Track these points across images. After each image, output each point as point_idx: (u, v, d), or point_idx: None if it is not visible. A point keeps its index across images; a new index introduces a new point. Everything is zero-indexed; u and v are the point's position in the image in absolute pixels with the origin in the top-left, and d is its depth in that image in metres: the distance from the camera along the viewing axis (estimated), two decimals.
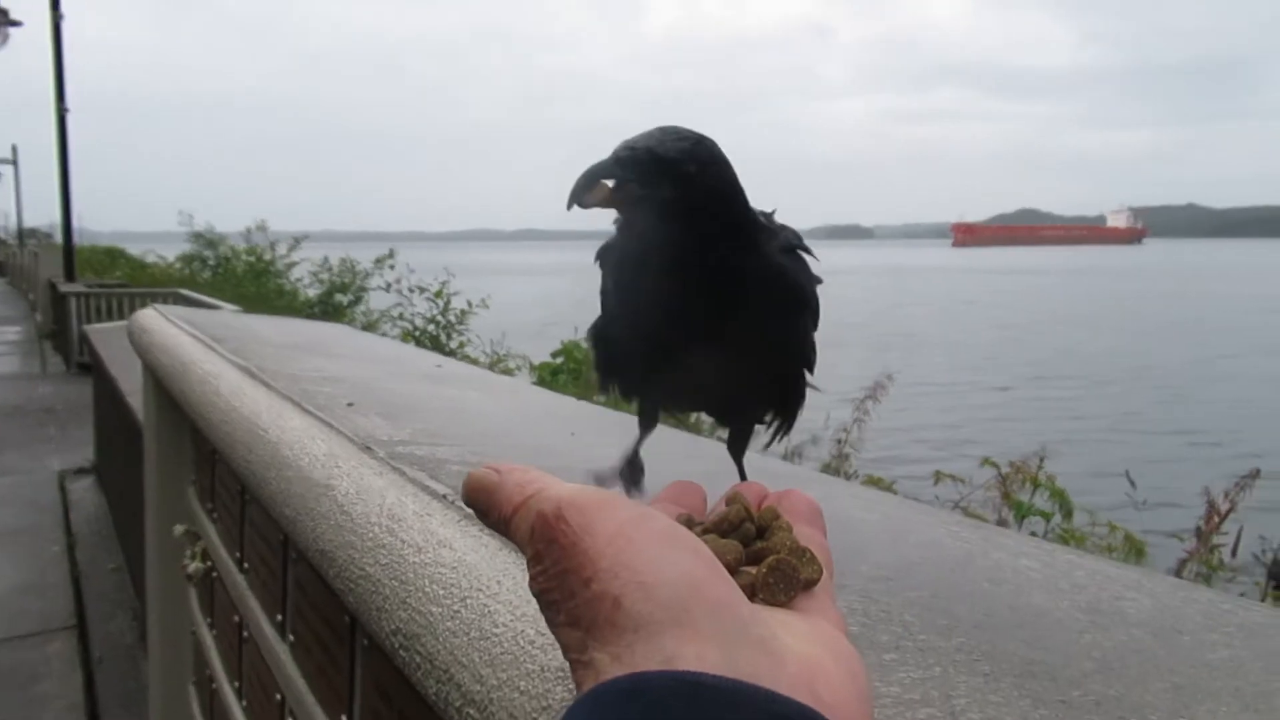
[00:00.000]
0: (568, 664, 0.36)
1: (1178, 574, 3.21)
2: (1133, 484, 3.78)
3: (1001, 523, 3.48)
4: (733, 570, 0.40)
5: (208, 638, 1.73)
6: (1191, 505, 4.00)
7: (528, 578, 0.38)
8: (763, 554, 0.43)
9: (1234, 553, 3.41)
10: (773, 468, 1.26)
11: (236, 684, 1.48)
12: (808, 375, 0.82)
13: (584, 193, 0.68)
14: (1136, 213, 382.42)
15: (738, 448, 0.85)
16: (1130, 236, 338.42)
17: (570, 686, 0.46)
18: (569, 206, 0.69)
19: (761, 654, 0.33)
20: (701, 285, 0.71)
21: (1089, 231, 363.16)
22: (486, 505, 0.42)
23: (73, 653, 3.92)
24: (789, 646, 0.35)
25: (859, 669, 0.36)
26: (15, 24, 14.61)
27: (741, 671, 0.31)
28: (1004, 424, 12.22)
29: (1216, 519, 3.48)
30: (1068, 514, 3.43)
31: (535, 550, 0.38)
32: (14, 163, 46.75)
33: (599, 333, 0.81)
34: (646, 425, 0.85)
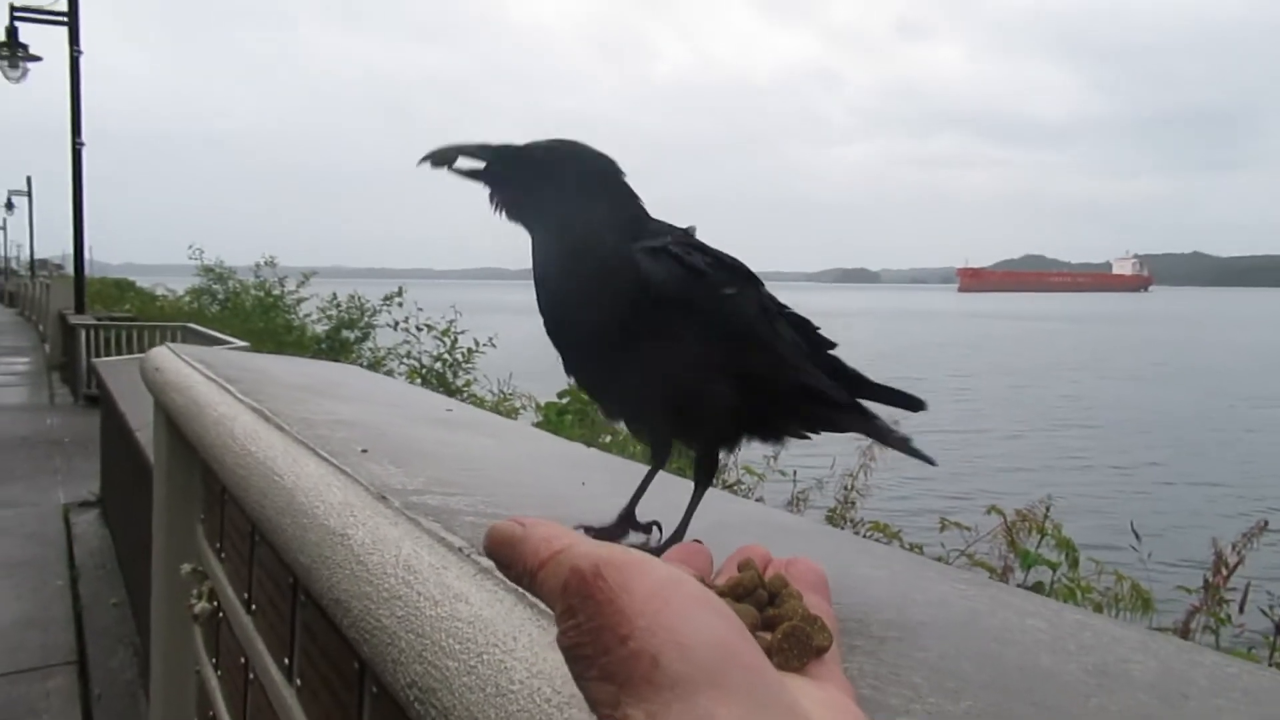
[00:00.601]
0: (596, 719, 0.36)
1: (1185, 627, 3.19)
2: (1137, 536, 3.76)
3: (1007, 570, 3.47)
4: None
5: (212, 678, 1.72)
6: (1200, 557, 3.98)
7: (557, 632, 0.39)
8: (775, 620, 0.44)
9: (1241, 608, 3.39)
10: (778, 519, 1.27)
11: None
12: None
13: (438, 158, 0.81)
14: (1142, 260, 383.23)
15: (699, 471, 0.86)
16: (1136, 283, 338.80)
17: None
18: (419, 163, 0.81)
19: (789, 717, 0.34)
20: (551, 278, 0.80)
21: (1095, 278, 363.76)
22: (510, 559, 0.43)
23: (73, 689, 3.90)
24: (810, 713, 0.36)
25: None
26: (35, 59, 14.81)
27: None
28: (1011, 472, 12.17)
29: (1225, 571, 3.46)
30: (1074, 563, 3.41)
31: (568, 605, 0.38)
32: (28, 194, 47.18)
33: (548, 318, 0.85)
34: (657, 461, 0.87)
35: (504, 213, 0.84)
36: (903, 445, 0.87)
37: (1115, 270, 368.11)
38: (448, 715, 0.56)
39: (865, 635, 0.64)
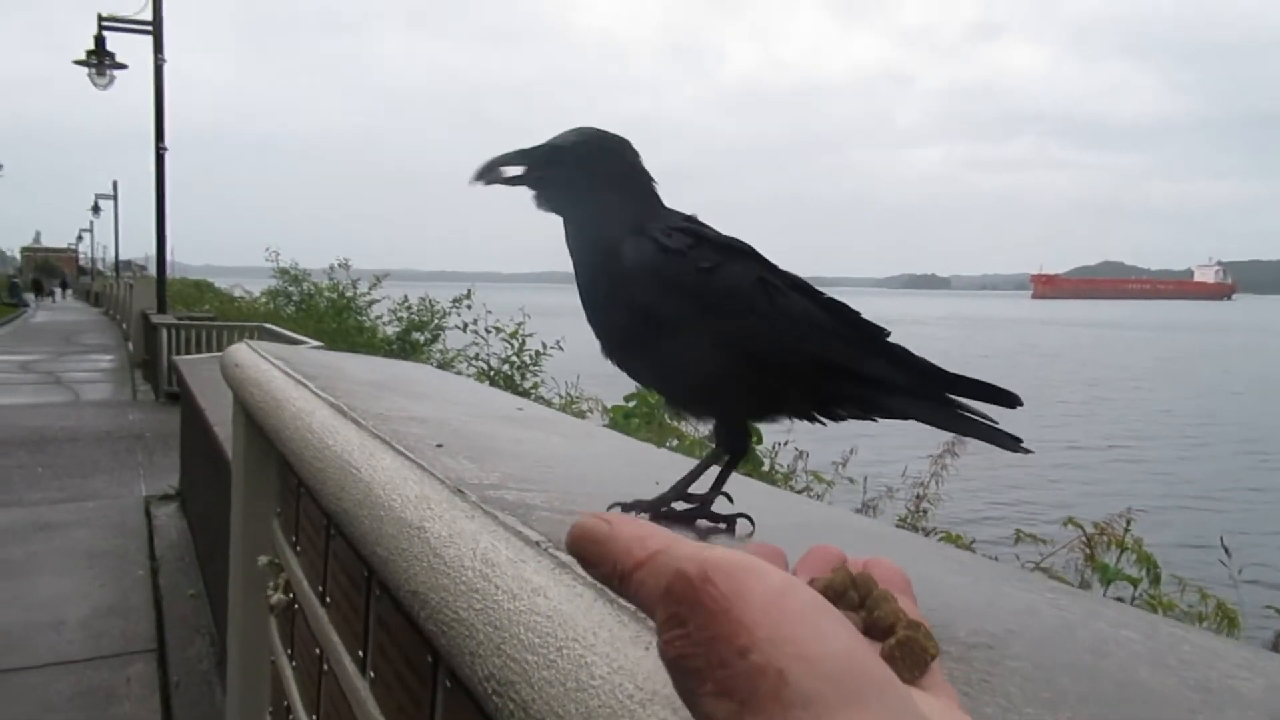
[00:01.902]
0: None
1: (1275, 647, 3.07)
2: (1227, 551, 3.63)
3: (1084, 585, 3.37)
4: None
5: (287, 668, 1.75)
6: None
7: (658, 640, 0.37)
8: (873, 625, 0.42)
9: None
10: (854, 523, 1.25)
11: (314, 716, 1.50)
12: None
13: (485, 175, 0.86)
14: (1226, 267, 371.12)
15: (717, 444, 0.90)
16: (1219, 292, 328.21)
17: None
18: (470, 183, 0.87)
19: None
20: (579, 258, 0.87)
21: (1175, 286, 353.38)
22: (597, 557, 0.42)
23: (152, 676, 4.01)
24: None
25: None
26: (121, 67, 15.31)
27: None
28: (1089, 486, 11.85)
29: None
30: (1155, 580, 3.31)
31: (673, 612, 0.36)
32: (114, 197, 48.88)
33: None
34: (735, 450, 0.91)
35: (547, 210, 0.90)
36: (991, 436, 0.83)
37: (1197, 277, 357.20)
38: (527, 709, 0.55)
39: (953, 641, 0.62)
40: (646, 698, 0.49)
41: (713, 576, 0.35)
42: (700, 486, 0.91)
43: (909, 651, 0.40)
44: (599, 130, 0.89)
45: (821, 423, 0.89)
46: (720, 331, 0.82)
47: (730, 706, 0.33)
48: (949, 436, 4.81)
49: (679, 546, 0.38)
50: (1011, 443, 0.83)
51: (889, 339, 0.87)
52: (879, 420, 0.88)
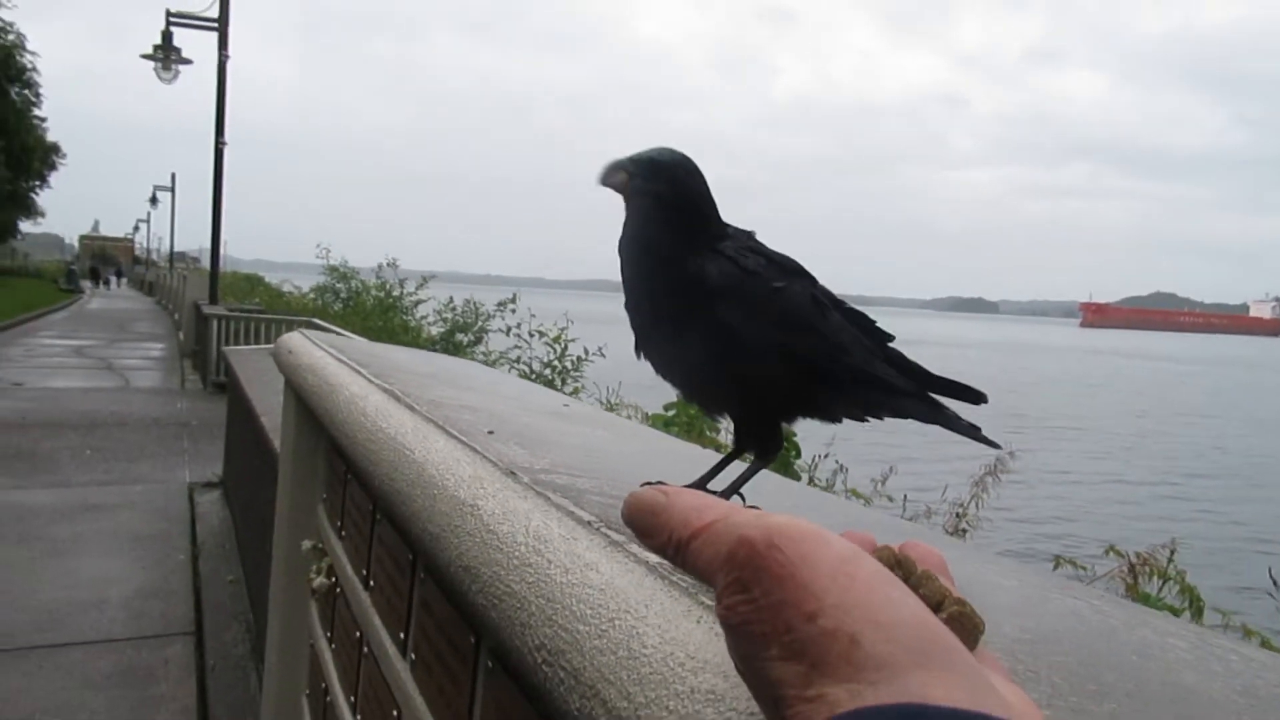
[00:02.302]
0: (775, 699, 0.34)
1: None
2: (1276, 583, 3.55)
3: None
4: None
5: (326, 651, 1.78)
6: None
7: (719, 606, 0.37)
8: (923, 602, 0.43)
9: None
10: (900, 525, 1.25)
11: (352, 698, 1.52)
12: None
13: (607, 177, 0.93)
14: None
15: (756, 445, 0.94)
16: (1275, 328, 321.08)
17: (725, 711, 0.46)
18: (598, 183, 0.93)
19: (999, 696, 0.33)
20: (656, 271, 0.90)
21: (1230, 320, 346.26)
22: (653, 527, 0.42)
23: (189, 658, 4.09)
24: (1008, 689, 0.35)
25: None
26: (186, 62, 15.65)
27: (988, 712, 0.31)
28: (1133, 521, 11.64)
29: None
30: (1198, 612, 3.25)
31: (737, 578, 0.36)
32: (171, 190, 49.87)
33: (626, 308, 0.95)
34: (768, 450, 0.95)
35: (637, 219, 0.94)
36: (970, 432, 0.93)
37: (1253, 312, 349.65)
38: (577, 676, 0.57)
39: (999, 635, 0.63)
40: (699, 665, 0.50)
41: (779, 543, 0.36)
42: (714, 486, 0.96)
43: (960, 626, 0.40)
44: (682, 152, 0.95)
45: (827, 420, 0.97)
46: (786, 345, 0.89)
47: (799, 670, 0.33)
48: (991, 460, 4.77)
49: (738, 514, 0.39)
50: (988, 442, 0.97)
51: (891, 344, 0.97)
52: (874, 419, 0.96)
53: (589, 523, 0.73)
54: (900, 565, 0.44)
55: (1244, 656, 0.68)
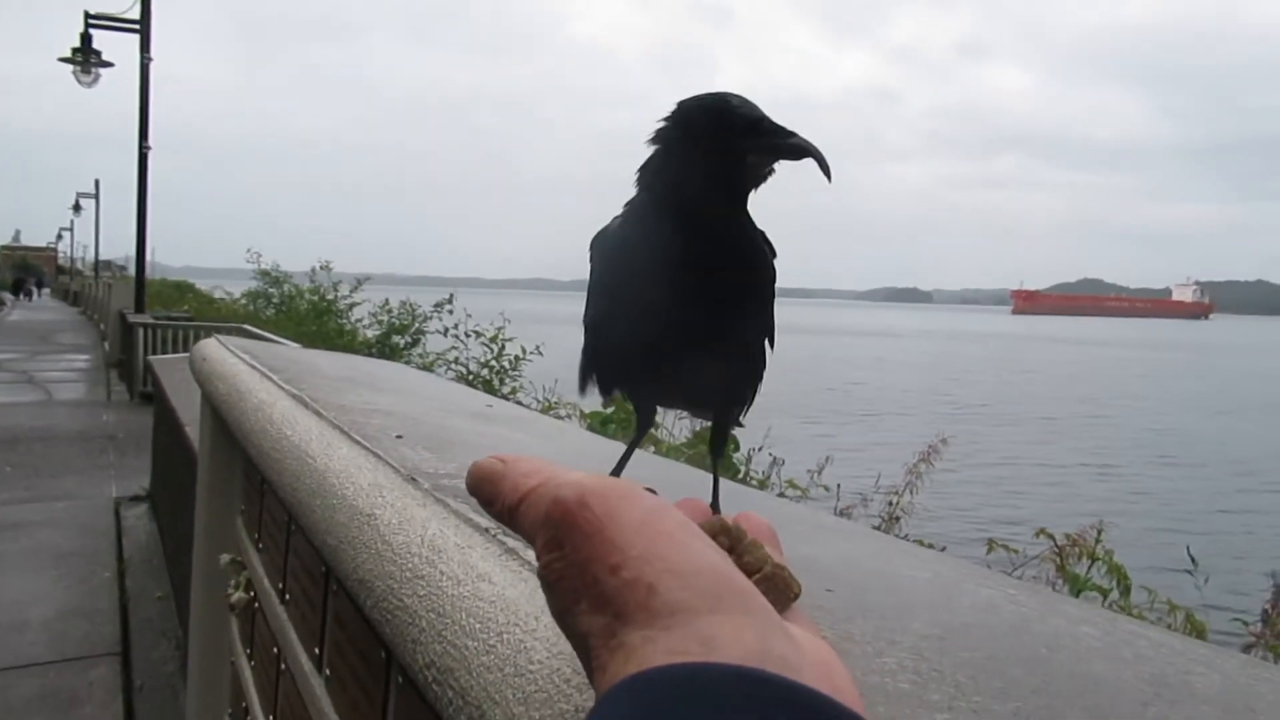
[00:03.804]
0: (586, 651, 0.36)
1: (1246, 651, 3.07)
2: (1194, 561, 3.64)
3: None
4: None
5: (246, 669, 1.73)
6: (1255, 594, 3.85)
7: (539, 564, 0.38)
8: (743, 568, 0.43)
9: None
10: (821, 519, 1.24)
11: (271, 717, 1.47)
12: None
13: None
14: (1204, 286, 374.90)
15: (719, 442, 0.88)
16: (1197, 311, 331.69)
17: None
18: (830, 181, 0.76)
19: (789, 641, 0.34)
20: (706, 257, 0.74)
21: (1154, 304, 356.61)
22: (491, 494, 0.43)
23: (115, 679, 3.95)
24: (803, 636, 0.36)
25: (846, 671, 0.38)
26: (107, 65, 15.20)
27: (774, 655, 0.32)
28: (1063, 501, 11.91)
29: None
30: (1125, 590, 3.30)
31: (550, 536, 0.38)
32: (95, 196, 48.48)
33: (596, 324, 0.81)
34: (641, 428, 0.91)
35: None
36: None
37: (1175, 296, 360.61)
38: (464, 696, 0.54)
39: (907, 633, 0.61)
40: (584, 682, 0.47)
41: (589, 500, 0.37)
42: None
43: (773, 585, 0.42)
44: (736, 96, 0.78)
45: None
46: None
47: (603, 620, 0.34)
48: (924, 446, 4.82)
49: (561, 476, 0.40)
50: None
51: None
52: None
53: (486, 529, 0.70)
54: (728, 533, 0.46)
55: (1154, 642, 0.68)
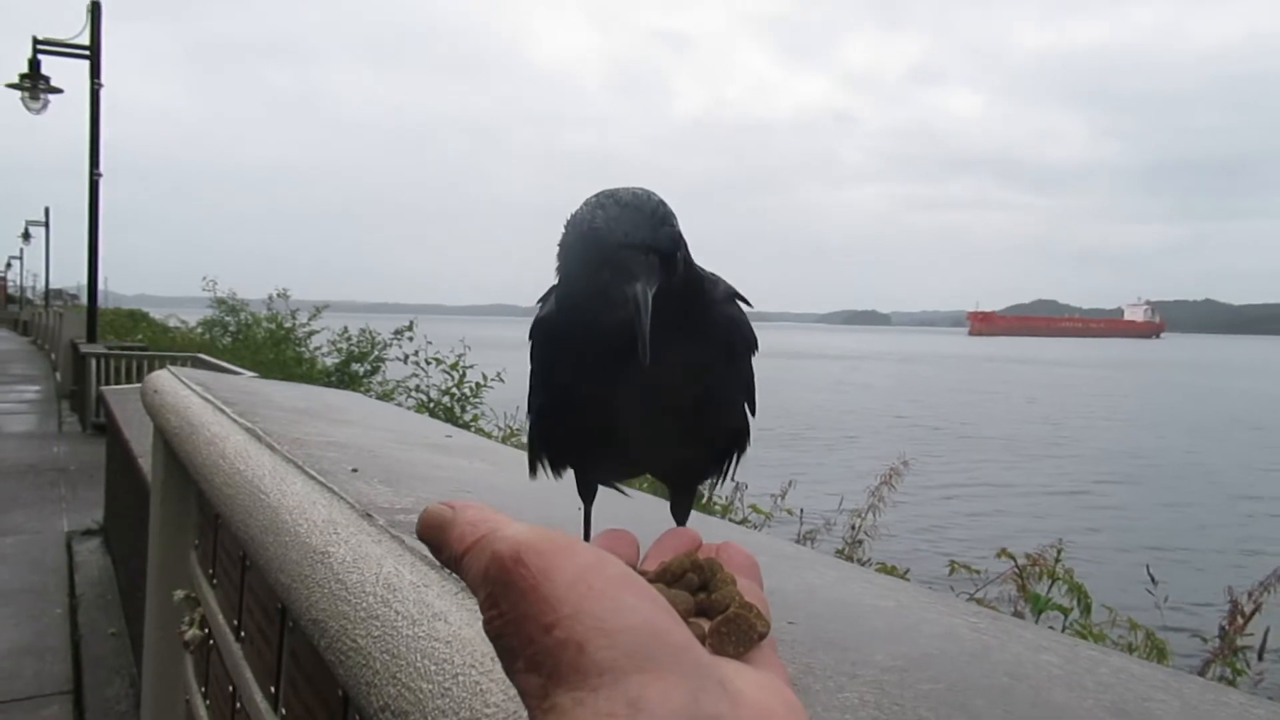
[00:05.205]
0: (527, 709, 0.35)
1: (1201, 675, 3.10)
2: (1153, 579, 3.67)
3: (1018, 615, 3.39)
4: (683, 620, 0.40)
5: (201, 707, 1.68)
6: (1216, 606, 3.89)
7: (482, 621, 0.38)
8: (710, 606, 0.43)
9: (1260, 655, 3.31)
10: (781, 548, 1.23)
11: None
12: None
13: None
14: (1154, 306, 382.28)
15: (682, 510, 0.86)
16: (1148, 329, 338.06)
17: None
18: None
19: (722, 696, 0.33)
20: (669, 338, 0.66)
21: (1107, 324, 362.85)
22: (439, 542, 0.42)
23: (66, 719, 3.84)
24: (744, 690, 0.35)
25: (804, 719, 0.37)
26: (56, 91, 14.98)
27: (704, 711, 0.32)
28: (1024, 520, 12.00)
29: (1241, 620, 3.38)
30: (1086, 609, 3.33)
31: (489, 593, 0.37)
32: (45, 224, 47.65)
33: (542, 412, 0.80)
34: (589, 497, 0.88)
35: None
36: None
37: (1127, 316, 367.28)
38: None
39: (869, 665, 0.60)
40: None
41: (524, 557, 0.36)
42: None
43: (735, 628, 0.41)
44: (661, 206, 0.68)
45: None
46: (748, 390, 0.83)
47: (538, 680, 0.34)
48: (886, 470, 4.85)
49: (503, 529, 0.39)
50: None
51: None
52: None
53: (442, 567, 0.68)
54: (698, 570, 0.45)
55: (1114, 668, 0.68)
